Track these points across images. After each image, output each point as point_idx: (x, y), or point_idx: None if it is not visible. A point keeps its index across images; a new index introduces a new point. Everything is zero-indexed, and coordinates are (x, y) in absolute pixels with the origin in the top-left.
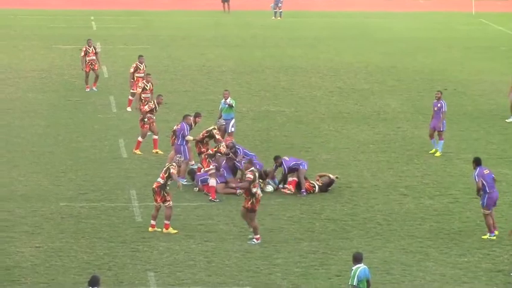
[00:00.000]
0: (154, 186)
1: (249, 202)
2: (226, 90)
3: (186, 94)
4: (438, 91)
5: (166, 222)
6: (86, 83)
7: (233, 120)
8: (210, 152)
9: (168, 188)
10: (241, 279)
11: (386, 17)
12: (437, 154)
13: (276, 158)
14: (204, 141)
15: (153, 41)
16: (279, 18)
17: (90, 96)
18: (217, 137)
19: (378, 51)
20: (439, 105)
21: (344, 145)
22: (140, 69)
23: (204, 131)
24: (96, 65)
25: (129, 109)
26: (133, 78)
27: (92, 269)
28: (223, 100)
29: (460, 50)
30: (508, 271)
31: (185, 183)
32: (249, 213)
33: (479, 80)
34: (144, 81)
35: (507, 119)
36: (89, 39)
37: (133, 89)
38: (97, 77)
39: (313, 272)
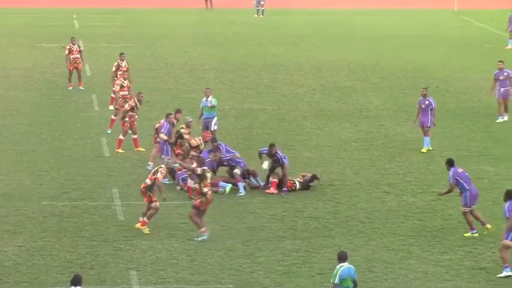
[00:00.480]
0: (141, 187)
1: (199, 200)
2: (207, 89)
3: (168, 92)
4: (424, 88)
5: (145, 220)
6: (69, 81)
7: (215, 119)
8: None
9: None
10: (223, 277)
11: (369, 15)
12: (423, 150)
13: (272, 146)
14: (178, 143)
15: (136, 39)
16: (261, 16)
17: (72, 94)
18: (186, 136)
19: (361, 49)
20: (426, 102)
21: (326, 143)
22: (122, 66)
23: (175, 133)
24: (80, 64)
25: (111, 107)
26: (116, 77)
27: (74, 268)
28: (205, 98)
29: (442, 47)
30: (490, 269)
31: (166, 182)
32: (193, 208)
33: (462, 78)
34: (122, 78)
35: (496, 119)
36: (72, 38)
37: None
38: (80, 76)
39: (296, 270)
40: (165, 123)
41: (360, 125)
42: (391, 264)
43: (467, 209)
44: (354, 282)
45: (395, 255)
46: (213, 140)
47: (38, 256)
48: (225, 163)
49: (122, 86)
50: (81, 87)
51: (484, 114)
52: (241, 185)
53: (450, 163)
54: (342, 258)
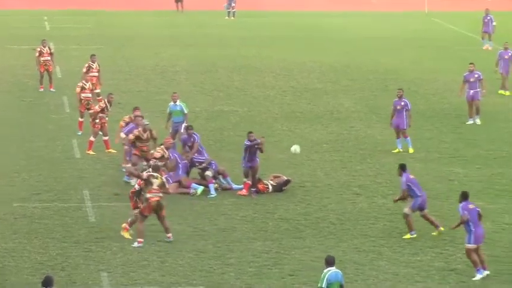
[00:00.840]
0: (129, 192)
1: (142, 204)
2: (175, 93)
3: (139, 94)
4: (400, 89)
5: (127, 226)
6: (40, 83)
7: (184, 123)
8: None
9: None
10: (194, 278)
11: (340, 17)
12: (411, 151)
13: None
14: (136, 145)
15: (106, 41)
16: (232, 18)
17: (43, 96)
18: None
19: (332, 51)
20: (402, 103)
21: (297, 144)
22: (93, 68)
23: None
24: (51, 66)
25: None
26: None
27: (45, 269)
28: (172, 103)
29: (413, 49)
30: (461, 270)
31: (133, 182)
32: (139, 213)
33: (432, 79)
34: (84, 81)
35: (467, 121)
36: (43, 40)
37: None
38: (51, 78)
39: (267, 272)
40: (131, 124)
41: (330, 126)
42: (361, 266)
43: (411, 212)
44: (341, 286)
45: (366, 256)
46: (188, 127)
47: (8, 257)
48: (196, 164)
49: (83, 88)
50: (52, 89)
51: (454, 116)
52: (212, 186)
53: (403, 168)
54: (330, 262)
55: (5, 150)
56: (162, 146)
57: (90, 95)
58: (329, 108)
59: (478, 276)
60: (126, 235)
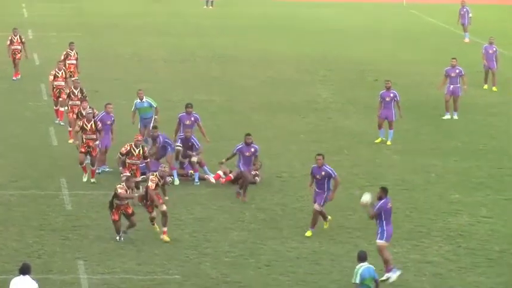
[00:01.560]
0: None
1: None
2: (140, 90)
3: (117, 82)
4: (388, 80)
5: (165, 229)
6: (15, 70)
7: (153, 118)
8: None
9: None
10: (170, 268)
11: (318, 7)
12: (388, 143)
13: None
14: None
15: (85, 29)
16: (210, 7)
17: (21, 83)
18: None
19: (309, 42)
20: (391, 95)
21: (275, 135)
22: (71, 56)
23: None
24: (19, 55)
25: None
26: (65, 66)
27: (21, 257)
28: (138, 100)
29: (391, 41)
30: (437, 262)
31: (107, 170)
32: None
33: (410, 71)
34: (56, 68)
35: (443, 116)
36: (14, 28)
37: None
38: (16, 66)
39: (243, 262)
40: (103, 112)
41: (308, 117)
42: (337, 257)
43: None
44: (376, 281)
45: (342, 247)
46: (154, 127)
47: None
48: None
49: (55, 76)
50: (14, 78)
51: (432, 108)
52: (197, 175)
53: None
54: (362, 258)
55: None
56: (131, 143)
57: (63, 83)
58: (307, 98)
59: (394, 276)
60: (166, 238)
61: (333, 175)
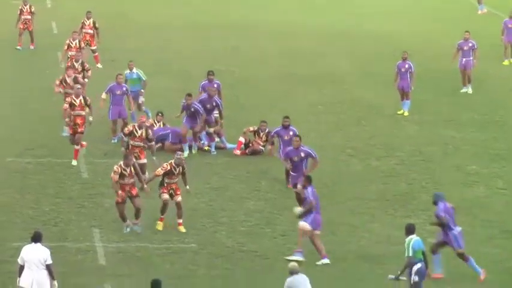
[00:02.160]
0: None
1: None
2: (131, 61)
3: (135, 52)
4: (404, 51)
5: (180, 221)
6: (19, 40)
7: (142, 90)
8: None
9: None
10: (186, 236)
11: None
12: (406, 114)
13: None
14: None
15: None
16: None
17: (38, 52)
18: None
19: (328, 13)
20: (406, 66)
21: (293, 106)
22: (86, 25)
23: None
24: (31, 25)
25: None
26: (81, 35)
27: (37, 224)
28: (128, 71)
29: (409, 13)
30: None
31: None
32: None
33: (428, 43)
34: (71, 38)
35: (461, 89)
36: None
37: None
38: (32, 37)
39: (259, 231)
40: (114, 83)
41: (326, 88)
42: (354, 228)
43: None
44: (424, 253)
45: (359, 218)
46: (188, 95)
47: (0, 212)
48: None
49: (69, 46)
50: (32, 47)
51: (450, 80)
52: (214, 144)
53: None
54: (410, 230)
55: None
56: (135, 124)
57: (74, 53)
58: (325, 70)
59: (295, 258)
60: (182, 229)
61: (313, 155)
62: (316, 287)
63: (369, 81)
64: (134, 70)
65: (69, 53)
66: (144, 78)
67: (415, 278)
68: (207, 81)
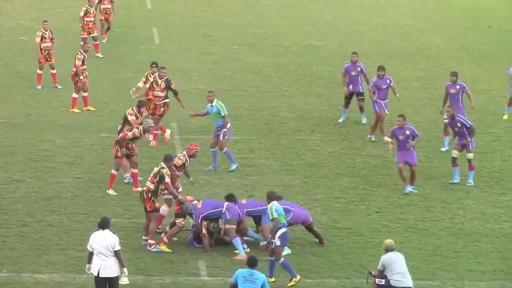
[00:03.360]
0: (144, 190)
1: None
2: (210, 92)
3: (229, 27)
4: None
5: (166, 239)
6: (102, 33)
7: (226, 128)
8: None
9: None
10: None
11: None
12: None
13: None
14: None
15: None
16: None
17: (133, 27)
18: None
19: None
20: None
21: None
22: (90, 13)
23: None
24: (111, 15)
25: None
26: (83, 23)
27: (132, 201)
28: (210, 105)
29: None
30: None
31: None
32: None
33: None
34: (42, 29)
35: None
36: None
37: (83, 34)
38: (109, 28)
39: (353, 208)
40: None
41: (420, 63)
42: (448, 204)
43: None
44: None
45: (453, 195)
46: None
47: (95, 188)
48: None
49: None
50: (104, 40)
51: None
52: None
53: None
54: (271, 197)
55: (93, 81)
56: (184, 153)
57: (50, 45)
58: (419, 45)
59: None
60: (164, 248)
61: (418, 134)
62: (410, 264)
63: (464, 55)
64: (214, 103)
65: (43, 45)
66: (223, 114)
67: (277, 242)
68: (350, 64)
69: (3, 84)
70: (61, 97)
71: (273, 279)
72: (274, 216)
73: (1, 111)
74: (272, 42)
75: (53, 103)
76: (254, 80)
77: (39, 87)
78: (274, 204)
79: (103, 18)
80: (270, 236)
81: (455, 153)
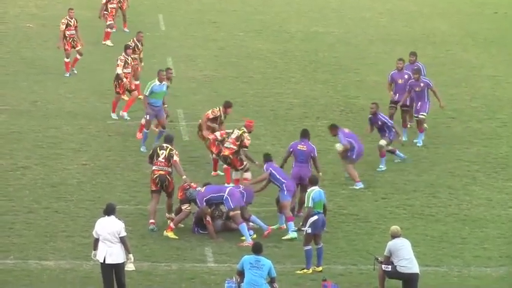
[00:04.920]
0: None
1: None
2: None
3: (234, 13)
4: None
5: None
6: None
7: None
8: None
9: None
10: None
11: None
12: None
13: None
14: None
15: None
16: None
17: (138, 14)
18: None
19: None
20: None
21: (393, 67)
22: (70, 25)
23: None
24: (124, 3)
25: (108, 43)
26: (107, 10)
27: (138, 187)
28: (157, 83)
29: None
30: None
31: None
32: None
33: None
34: (68, 17)
35: None
36: None
37: (110, 20)
38: (124, 16)
39: (359, 194)
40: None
41: (426, 50)
42: (455, 190)
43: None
44: (324, 206)
45: (460, 181)
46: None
47: (101, 175)
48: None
49: (68, 25)
50: (125, 29)
51: None
52: None
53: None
54: (314, 181)
55: (100, 67)
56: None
57: (74, 33)
58: (425, 31)
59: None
60: (171, 235)
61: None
62: (417, 250)
63: (469, 41)
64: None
65: (67, 33)
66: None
67: (308, 230)
68: (395, 71)
69: (9, 71)
70: (67, 84)
71: (320, 268)
72: (309, 205)
73: (7, 98)
74: (278, 29)
75: (59, 90)
76: (260, 67)
77: (68, 75)
78: (314, 191)
79: (117, 8)
80: (301, 223)
81: (383, 142)
